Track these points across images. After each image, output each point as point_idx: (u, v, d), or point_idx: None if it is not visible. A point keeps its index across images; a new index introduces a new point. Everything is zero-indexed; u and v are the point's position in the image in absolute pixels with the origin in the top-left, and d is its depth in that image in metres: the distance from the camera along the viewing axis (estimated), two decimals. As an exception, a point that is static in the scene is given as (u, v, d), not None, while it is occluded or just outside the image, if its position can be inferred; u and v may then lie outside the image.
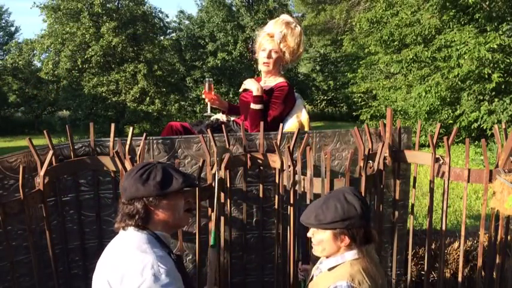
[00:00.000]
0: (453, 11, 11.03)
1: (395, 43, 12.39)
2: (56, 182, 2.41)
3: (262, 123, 2.62)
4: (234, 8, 24.14)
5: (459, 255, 2.91)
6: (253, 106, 2.82)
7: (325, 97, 28.20)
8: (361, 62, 16.62)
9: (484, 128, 10.55)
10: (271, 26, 2.97)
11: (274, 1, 23.19)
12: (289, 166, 2.50)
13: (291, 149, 2.49)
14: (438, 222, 5.13)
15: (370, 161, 2.63)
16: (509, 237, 2.74)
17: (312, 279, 1.78)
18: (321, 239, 1.63)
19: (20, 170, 2.08)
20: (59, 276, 2.38)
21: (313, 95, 27.88)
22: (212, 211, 2.50)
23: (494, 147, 9.16)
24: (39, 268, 2.30)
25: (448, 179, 2.61)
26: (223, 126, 2.69)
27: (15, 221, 2.29)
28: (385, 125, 2.74)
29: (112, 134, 2.47)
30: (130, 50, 19.84)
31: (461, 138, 11.61)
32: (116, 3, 20.34)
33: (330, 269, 1.65)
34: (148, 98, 19.84)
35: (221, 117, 3.19)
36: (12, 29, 33.32)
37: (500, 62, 9.72)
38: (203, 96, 3.07)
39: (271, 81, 2.99)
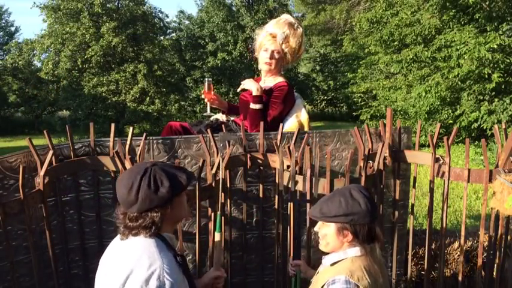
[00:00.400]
0: (453, 11, 11.03)
1: (395, 43, 12.39)
2: (56, 182, 2.41)
3: (262, 123, 2.62)
4: (234, 8, 24.14)
5: (459, 255, 2.91)
6: (252, 106, 2.83)
7: (325, 97, 28.20)
8: (361, 62, 16.61)
9: (484, 128, 10.55)
10: (273, 26, 2.97)
11: (274, 1, 23.19)
12: (289, 166, 2.50)
13: (291, 149, 2.49)
14: (438, 222, 5.13)
15: (370, 161, 2.63)
16: (509, 237, 2.75)
17: (317, 274, 1.80)
18: (325, 233, 1.67)
19: (20, 170, 2.08)
20: (59, 276, 2.39)
21: (313, 95, 27.88)
22: (212, 210, 2.50)
23: (494, 147, 9.16)
24: (39, 268, 2.30)
25: (448, 179, 2.61)
26: (223, 126, 2.70)
27: (15, 221, 2.29)
28: (385, 125, 2.74)
29: (112, 134, 2.47)
30: (130, 50, 19.85)
31: (461, 138, 11.61)
32: (116, 3, 20.34)
33: (332, 264, 1.68)
34: (148, 98, 19.84)
35: (221, 117, 3.19)
36: (12, 29, 33.33)
37: (500, 62, 9.72)
38: (203, 96, 3.07)
39: (271, 81, 2.99)
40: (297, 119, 2.93)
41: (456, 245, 3.31)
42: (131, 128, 2.47)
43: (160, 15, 22.26)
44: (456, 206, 6.33)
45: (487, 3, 10.23)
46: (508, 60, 9.81)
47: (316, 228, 1.71)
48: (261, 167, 2.67)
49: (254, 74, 21.08)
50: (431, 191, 2.73)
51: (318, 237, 1.72)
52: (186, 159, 2.60)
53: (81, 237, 2.57)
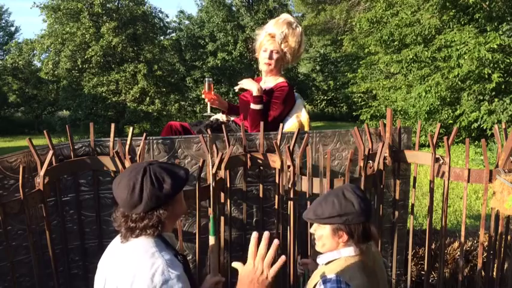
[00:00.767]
0: (453, 11, 11.04)
1: (396, 43, 12.39)
2: (56, 182, 2.41)
3: (262, 123, 2.62)
4: (234, 8, 24.16)
5: (459, 255, 2.91)
6: (253, 106, 2.83)
7: (325, 97, 28.23)
8: (361, 62, 16.61)
9: (484, 128, 10.55)
10: (272, 25, 2.97)
11: (274, 1, 23.21)
12: (289, 166, 2.50)
13: (291, 149, 2.49)
14: (438, 222, 5.14)
15: (370, 161, 2.63)
16: (509, 237, 2.75)
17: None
18: (321, 234, 1.67)
19: (20, 170, 2.08)
20: (59, 276, 2.39)
21: (313, 95, 27.91)
22: (213, 211, 2.50)
23: (494, 147, 9.16)
24: (39, 268, 2.30)
25: (448, 179, 2.61)
26: (223, 126, 2.69)
27: (15, 221, 2.29)
28: (385, 125, 2.74)
29: (112, 134, 2.47)
30: (130, 50, 19.86)
31: (461, 138, 11.62)
32: (116, 3, 20.34)
33: (326, 264, 1.68)
34: (148, 98, 19.85)
35: (221, 117, 3.19)
36: (12, 29, 33.37)
37: (500, 62, 9.72)
38: (203, 96, 3.07)
39: (271, 81, 2.99)
40: (297, 119, 2.93)
41: (456, 245, 3.31)
42: (131, 128, 2.47)
43: (160, 15, 22.30)
44: (456, 206, 6.33)
45: (487, 3, 10.23)
46: (508, 60, 9.81)
47: (311, 230, 1.71)
48: (261, 167, 2.67)
49: (254, 74, 21.10)
50: (431, 191, 2.73)
51: (315, 238, 1.72)
52: (186, 159, 2.60)
53: (81, 237, 2.57)
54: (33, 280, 2.29)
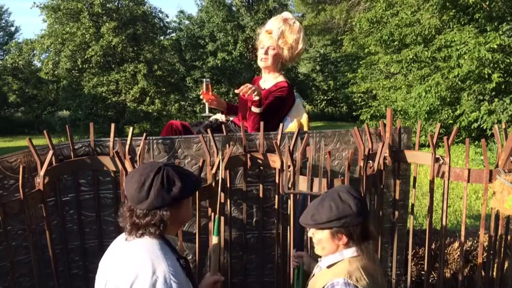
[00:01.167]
0: (453, 11, 11.03)
1: (396, 43, 12.39)
2: (56, 182, 2.41)
3: (262, 123, 2.62)
4: (234, 8, 24.16)
5: (459, 255, 2.91)
6: (254, 109, 2.81)
7: (325, 97, 28.23)
8: (361, 62, 16.62)
9: (484, 128, 10.55)
10: (271, 22, 2.97)
11: (274, 1, 23.21)
12: (289, 166, 2.50)
13: (291, 149, 2.49)
14: (438, 222, 5.13)
15: (370, 161, 2.63)
16: (509, 237, 2.75)
17: (313, 276, 1.79)
18: (320, 238, 1.65)
19: (20, 170, 2.08)
20: (59, 276, 2.38)
21: (313, 95, 27.92)
22: (212, 210, 2.50)
23: (494, 147, 9.16)
24: (39, 268, 2.30)
25: (448, 179, 2.61)
26: (223, 126, 2.69)
27: (15, 221, 2.29)
28: (385, 125, 2.74)
29: (112, 134, 2.47)
30: (130, 50, 19.86)
31: (461, 138, 11.62)
32: (116, 3, 20.34)
33: (329, 267, 1.67)
34: (148, 98, 19.85)
35: (220, 117, 3.19)
36: (12, 29, 33.37)
37: (500, 62, 9.72)
38: (202, 97, 3.06)
39: (271, 80, 2.98)
40: (297, 119, 2.93)
41: (456, 245, 3.31)
42: (131, 128, 2.47)
43: (160, 15, 22.30)
44: (456, 206, 6.34)
45: (487, 3, 10.23)
46: (508, 60, 9.81)
47: (309, 234, 1.70)
48: (261, 167, 2.67)
49: (254, 73, 21.11)
50: (431, 191, 2.73)
51: (313, 242, 1.71)
52: (186, 159, 2.60)
53: (81, 237, 2.57)
54: (33, 280, 2.29)
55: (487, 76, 10.08)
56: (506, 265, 2.73)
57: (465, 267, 3.14)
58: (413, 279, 3.11)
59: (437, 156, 2.65)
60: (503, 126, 2.78)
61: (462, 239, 2.69)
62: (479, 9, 10.49)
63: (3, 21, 32.68)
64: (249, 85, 2.76)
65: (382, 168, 2.67)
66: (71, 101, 19.90)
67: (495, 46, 9.38)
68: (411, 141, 2.87)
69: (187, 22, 26.22)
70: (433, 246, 3.15)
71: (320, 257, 1.73)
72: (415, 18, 11.84)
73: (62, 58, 19.51)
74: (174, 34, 24.46)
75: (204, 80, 3.04)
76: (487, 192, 2.58)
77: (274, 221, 2.74)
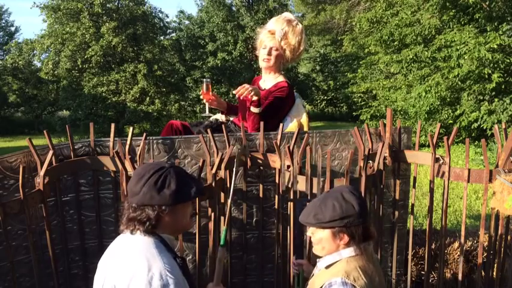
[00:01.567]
0: (453, 11, 11.03)
1: (396, 43, 12.38)
2: (56, 182, 2.41)
3: (262, 123, 2.62)
4: (234, 8, 24.15)
5: (459, 255, 2.91)
6: (253, 110, 2.81)
7: (325, 97, 28.22)
8: (361, 62, 16.61)
9: (484, 128, 10.55)
10: (273, 23, 2.96)
11: (274, 1, 23.20)
12: (289, 166, 2.50)
13: (291, 149, 2.49)
14: (438, 222, 5.13)
15: (370, 161, 2.63)
16: (509, 237, 2.75)
17: (312, 276, 1.79)
18: (320, 237, 1.64)
19: (20, 170, 2.08)
20: (59, 276, 2.39)
21: (313, 95, 27.90)
22: (212, 210, 2.50)
23: (494, 147, 9.16)
24: (39, 268, 2.30)
25: (448, 179, 2.61)
26: (223, 126, 2.69)
27: (15, 221, 2.29)
28: (385, 125, 2.74)
29: (112, 134, 2.47)
30: (130, 50, 19.86)
31: (461, 138, 11.61)
32: (116, 3, 20.34)
33: (327, 267, 1.66)
34: (148, 98, 19.85)
35: (220, 117, 3.19)
36: (12, 29, 33.36)
37: (500, 62, 9.72)
38: (202, 97, 3.06)
39: (271, 79, 2.98)
40: (297, 119, 2.93)
41: (456, 245, 3.31)
42: (131, 128, 2.47)
43: (160, 15, 22.31)
44: (456, 206, 6.34)
45: (487, 3, 10.23)
46: (508, 60, 9.81)
47: (309, 233, 1.69)
48: (261, 167, 2.67)
49: (254, 73, 21.10)
50: (431, 191, 2.73)
51: (312, 241, 1.70)
52: (186, 159, 2.60)
53: (81, 237, 2.57)
54: (33, 280, 2.29)
55: (487, 76, 10.08)
56: (506, 265, 2.73)
57: (465, 267, 3.14)
58: (413, 279, 3.11)
59: (437, 156, 2.65)
60: (503, 126, 2.78)
61: (462, 239, 2.69)
62: (479, 9, 10.49)
63: (3, 21, 32.68)
64: (246, 85, 2.75)
65: (382, 168, 2.67)
66: (71, 101, 19.90)
67: (495, 46, 9.38)
68: (411, 141, 2.87)
69: (187, 22, 26.22)
70: (433, 246, 3.15)
71: (320, 257, 1.73)
72: (415, 18, 11.84)
73: (62, 58, 19.51)
74: (174, 34, 24.47)
75: (204, 80, 3.04)
76: (487, 192, 2.58)
77: (274, 221, 2.74)
